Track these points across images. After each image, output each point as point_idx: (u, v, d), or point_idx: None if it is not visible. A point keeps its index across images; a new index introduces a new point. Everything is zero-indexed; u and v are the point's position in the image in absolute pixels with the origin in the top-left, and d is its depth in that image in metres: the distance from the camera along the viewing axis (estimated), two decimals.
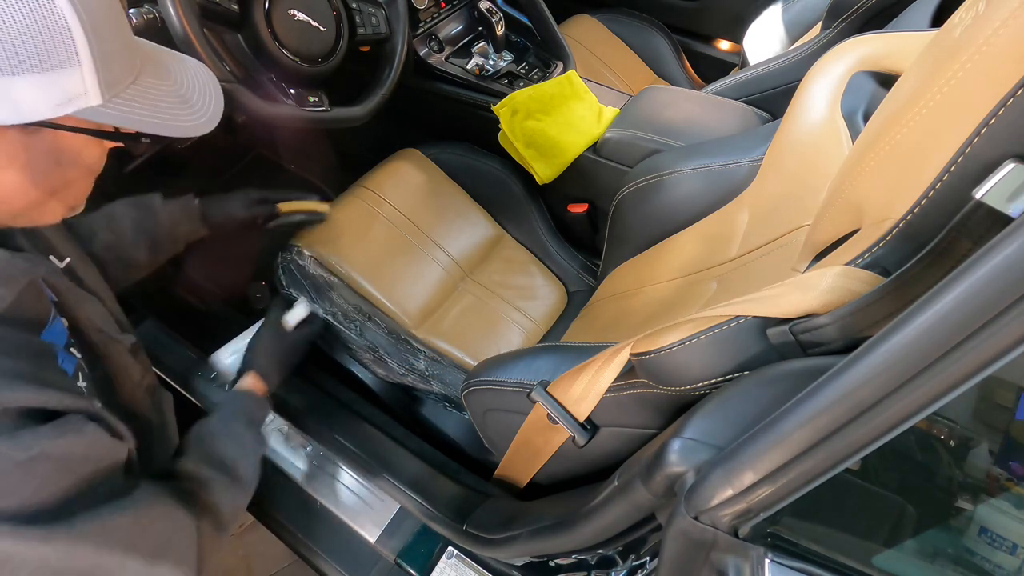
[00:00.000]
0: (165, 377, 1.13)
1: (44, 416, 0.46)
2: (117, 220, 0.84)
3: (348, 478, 1.07)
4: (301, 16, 0.95)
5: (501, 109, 1.18)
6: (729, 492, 0.46)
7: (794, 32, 1.40)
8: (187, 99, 0.53)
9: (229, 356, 1.00)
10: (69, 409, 0.47)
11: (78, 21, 0.42)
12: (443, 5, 1.32)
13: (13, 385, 0.44)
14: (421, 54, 1.26)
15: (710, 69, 1.72)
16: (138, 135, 0.51)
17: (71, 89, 0.44)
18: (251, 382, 0.86)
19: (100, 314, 0.64)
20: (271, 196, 1.00)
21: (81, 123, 0.47)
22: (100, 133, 0.49)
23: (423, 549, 0.99)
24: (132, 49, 0.50)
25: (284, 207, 1.01)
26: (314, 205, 1.05)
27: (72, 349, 0.57)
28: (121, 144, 0.53)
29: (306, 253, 1.06)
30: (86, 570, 0.47)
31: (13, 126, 0.43)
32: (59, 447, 0.45)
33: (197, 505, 0.63)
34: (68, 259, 0.64)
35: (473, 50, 1.32)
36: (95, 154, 0.52)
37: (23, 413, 0.44)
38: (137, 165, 1.11)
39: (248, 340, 0.97)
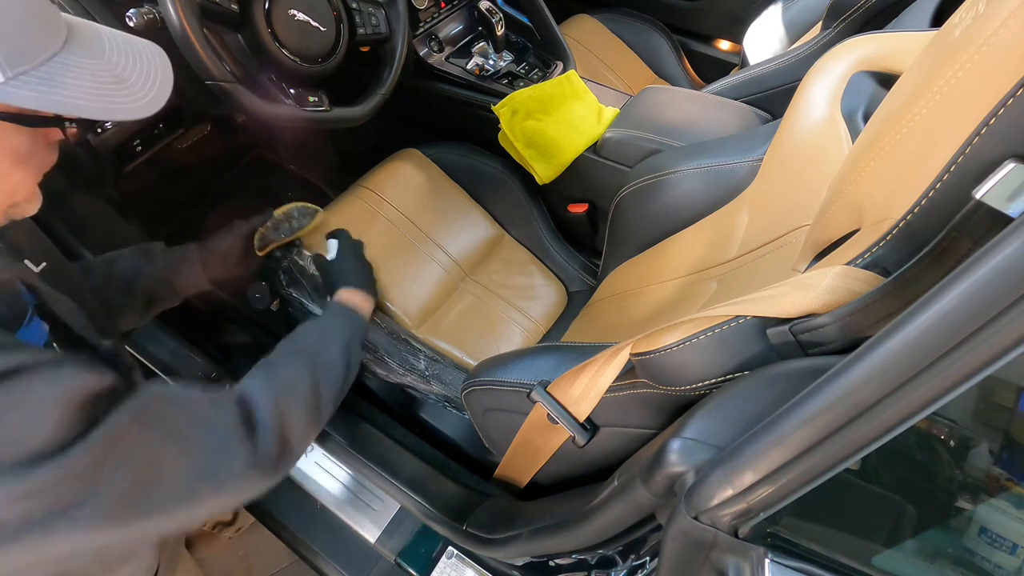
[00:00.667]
0: (164, 377, 1.13)
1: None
2: (116, 265, 0.83)
3: (348, 478, 1.07)
4: (301, 16, 0.95)
5: (501, 109, 1.18)
6: (729, 492, 0.46)
7: (794, 32, 1.40)
8: (122, 79, 0.48)
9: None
10: (22, 367, 0.44)
11: None
12: (443, 5, 1.32)
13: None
14: (421, 54, 1.26)
15: (710, 69, 1.72)
16: (59, 119, 0.47)
17: None
18: (348, 295, 0.86)
19: (77, 317, 0.61)
20: (256, 221, 1.00)
21: None
22: (7, 116, 0.44)
23: (423, 549, 0.99)
24: (47, 20, 0.45)
25: (279, 211, 1.02)
26: (305, 204, 1.05)
27: (54, 345, 0.56)
28: (53, 127, 0.48)
29: (306, 253, 1.06)
30: (117, 469, 0.46)
31: None
32: (43, 385, 0.44)
33: (260, 385, 0.62)
34: (44, 264, 0.62)
35: (473, 50, 1.32)
36: (18, 142, 0.47)
37: None
38: (137, 165, 1.11)
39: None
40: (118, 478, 0.47)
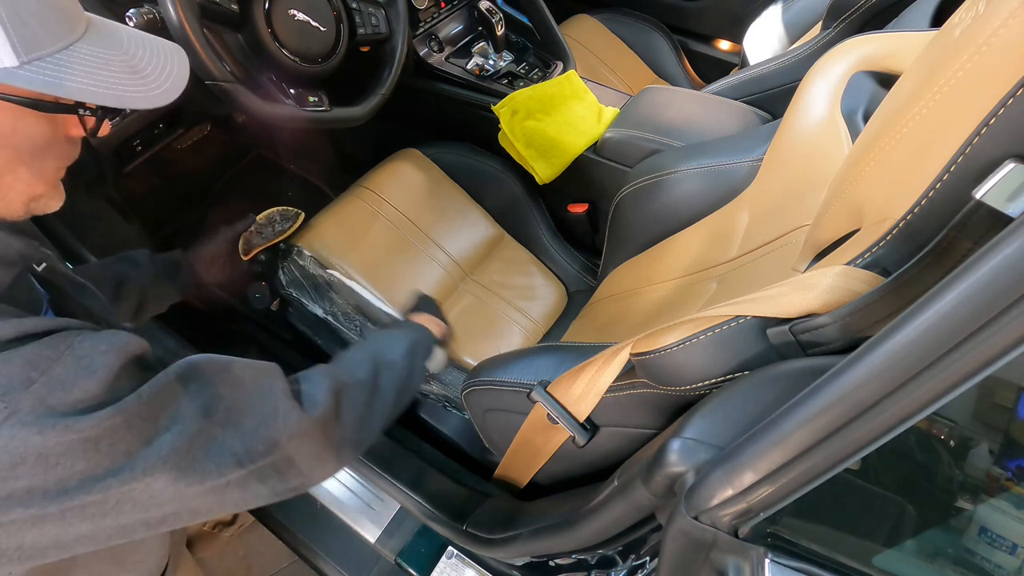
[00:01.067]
0: None
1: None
2: (104, 271, 0.83)
3: (348, 478, 1.07)
4: (301, 16, 0.95)
5: (501, 109, 1.18)
6: (729, 492, 0.46)
7: (794, 32, 1.40)
8: (137, 70, 0.49)
9: None
10: (61, 327, 0.46)
11: None
12: (443, 5, 1.32)
13: (18, 317, 0.44)
14: (421, 54, 1.26)
15: (710, 69, 1.72)
16: (77, 105, 0.47)
17: None
18: (426, 319, 0.90)
19: (97, 301, 0.62)
20: (239, 226, 1.02)
21: (10, 91, 0.43)
22: (24, 101, 0.44)
23: (423, 549, 0.99)
24: (64, 12, 0.46)
25: (260, 216, 1.04)
26: (287, 207, 1.08)
27: None
28: (73, 114, 0.49)
29: (306, 253, 1.06)
30: (162, 438, 0.46)
31: None
32: (87, 342, 0.44)
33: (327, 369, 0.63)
34: (44, 263, 0.61)
35: (473, 50, 1.32)
36: (37, 132, 0.47)
37: (21, 338, 0.43)
38: (137, 165, 1.11)
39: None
40: (174, 432, 0.46)
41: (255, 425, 0.52)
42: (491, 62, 1.31)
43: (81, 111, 0.48)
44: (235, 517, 1.24)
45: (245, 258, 1.02)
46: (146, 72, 0.49)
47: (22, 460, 0.40)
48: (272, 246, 1.05)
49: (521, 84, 1.28)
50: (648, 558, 0.71)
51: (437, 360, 0.91)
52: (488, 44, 1.33)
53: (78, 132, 0.50)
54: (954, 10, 0.50)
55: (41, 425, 0.40)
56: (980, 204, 0.37)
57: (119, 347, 0.46)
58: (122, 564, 0.64)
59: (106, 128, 0.51)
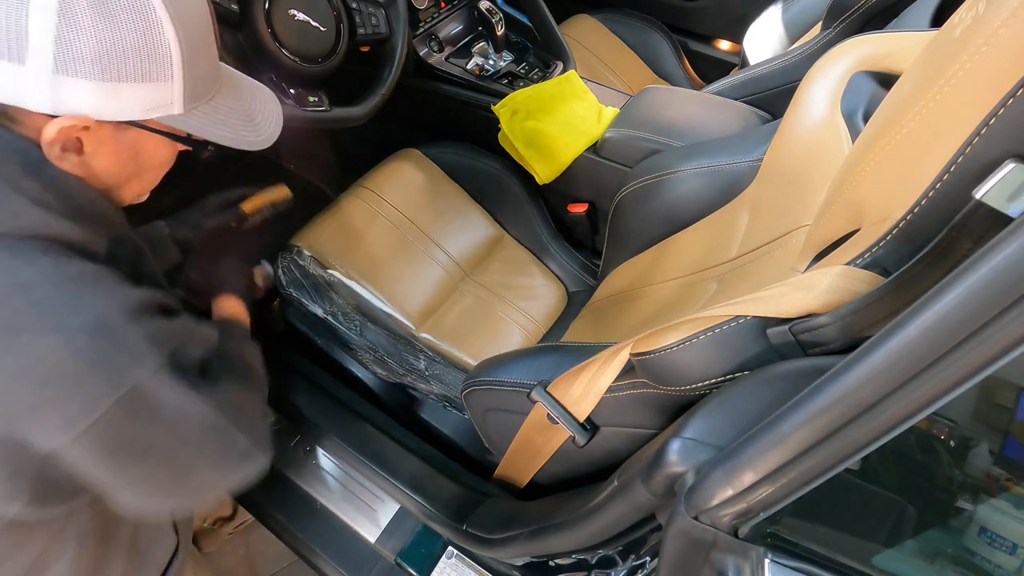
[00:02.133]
0: None
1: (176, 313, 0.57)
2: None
3: (348, 478, 1.07)
4: (301, 16, 0.95)
5: (501, 109, 1.18)
6: (729, 492, 0.46)
7: (794, 32, 1.40)
8: (252, 119, 0.62)
9: None
10: (181, 310, 0.58)
11: (179, 49, 0.51)
12: (443, 5, 1.32)
13: (148, 288, 0.55)
14: (421, 54, 1.26)
15: (710, 69, 1.72)
16: (205, 143, 0.60)
17: (161, 99, 0.52)
18: (231, 306, 0.82)
19: (156, 270, 0.72)
20: (231, 196, 0.95)
21: (161, 126, 0.55)
22: (174, 136, 0.57)
23: (423, 549, 0.99)
24: (216, 72, 0.59)
25: (247, 207, 0.95)
26: (274, 193, 0.97)
27: None
28: (189, 148, 0.61)
29: (306, 253, 1.06)
30: (221, 414, 0.57)
31: (109, 121, 0.51)
32: (202, 330, 0.58)
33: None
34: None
35: (473, 50, 1.32)
36: (167, 154, 0.61)
37: (162, 307, 0.55)
38: None
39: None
40: (222, 418, 0.57)
41: (261, 432, 0.63)
42: (491, 62, 1.31)
43: (210, 147, 0.61)
44: (234, 512, 1.24)
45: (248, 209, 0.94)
46: (257, 120, 0.63)
47: (151, 413, 0.50)
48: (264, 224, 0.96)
49: (521, 84, 1.28)
50: (648, 558, 0.71)
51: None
52: (488, 44, 1.33)
53: (184, 149, 0.62)
54: (954, 10, 0.50)
55: (173, 383, 0.52)
56: (980, 204, 0.37)
57: (211, 342, 0.60)
58: (134, 548, 0.69)
59: (208, 153, 0.64)
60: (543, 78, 1.29)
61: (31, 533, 0.58)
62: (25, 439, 0.47)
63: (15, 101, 0.48)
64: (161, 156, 0.60)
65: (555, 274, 1.25)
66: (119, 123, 0.52)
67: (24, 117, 0.50)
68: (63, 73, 0.47)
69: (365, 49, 1.10)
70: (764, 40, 1.45)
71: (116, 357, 0.48)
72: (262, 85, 0.66)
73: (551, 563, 0.87)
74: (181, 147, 0.61)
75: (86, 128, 0.51)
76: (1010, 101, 0.37)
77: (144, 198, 0.65)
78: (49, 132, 0.49)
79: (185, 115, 0.55)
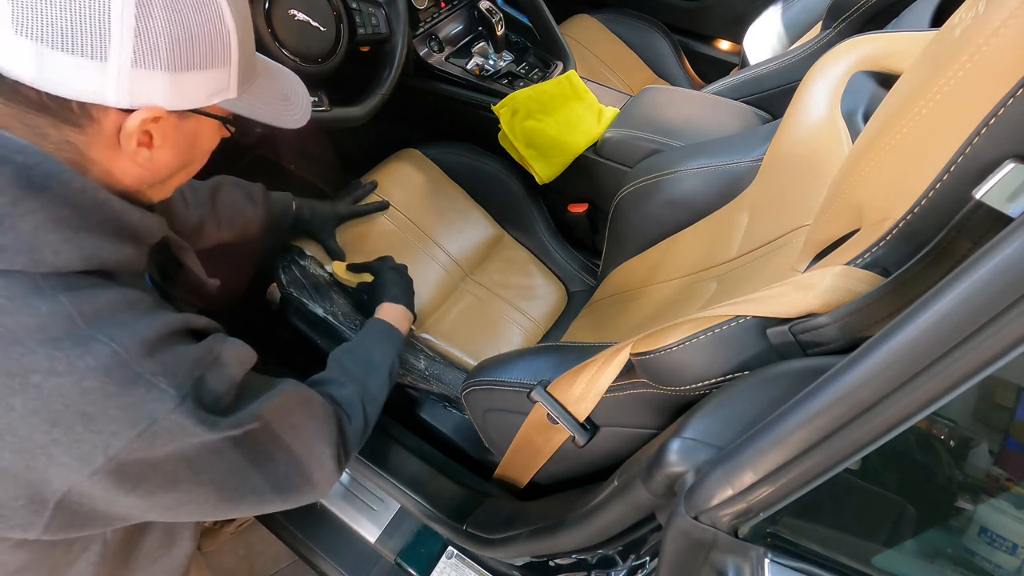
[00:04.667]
0: None
1: (203, 335, 0.56)
2: (219, 194, 0.94)
3: (348, 478, 1.07)
4: (301, 16, 0.95)
5: (501, 109, 1.18)
6: (729, 492, 0.46)
7: (794, 32, 1.40)
8: (288, 97, 0.64)
9: None
10: (210, 329, 0.58)
11: (235, 30, 0.52)
12: (443, 5, 1.32)
13: (171, 313, 0.53)
14: (421, 54, 1.26)
15: (710, 69, 1.72)
16: (252, 123, 0.60)
17: (221, 84, 0.53)
18: (397, 315, 0.94)
19: (196, 263, 0.75)
20: (358, 194, 1.14)
21: (217, 111, 0.56)
22: (227, 121, 0.58)
23: (423, 549, 0.99)
24: (254, 55, 0.59)
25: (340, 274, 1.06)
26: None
27: None
28: (234, 132, 0.61)
29: (307, 253, 1.06)
30: (253, 443, 0.56)
31: (172, 112, 0.51)
32: (229, 350, 0.55)
33: (331, 401, 0.71)
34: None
35: (473, 50, 1.32)
36: (215, 141, 0.61)
37: (187, 331, 0.54)
38: None
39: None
40: (254, 449, 0.56)
41: (300, 466, 0.62)
42: (491, 62, 1.31)
43: (257, 129, 0.62)
44: None
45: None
46: (292, 99, 0.64)
47: (171, 448, 0.49)
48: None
49: (521, 84, 1.28)
50: (648, 558, 0.71)
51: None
52: (488, 44, 1.33)
53: (225, 134, 0.62)
54: (954, 10, 0.50)
55: (197, 419, 0.50)
56: (980, 204, 0.37)
57: (245, 360, 0.57)
58: (155, 559, 0.69)
59: (252, 136, 0.65)
60: (543, 78, 1.29)
61: (53, 545, 0.58)
62: (42, 476, 0.47)
63: (97, 99, 0.47)
64: (212, 142, 0.61)
65: (555, 274, 1.25)
66: (183, 112, 0.53)
67: (95, 119, 0.49)
68: (141, 66, 0.47)
69: (365, 49, 1.10)
70: (764, 40, 1.45)
71: (129, 396, 0.47)
72: (288, 69, 0.68)
73: (551, 563, 0.87)
74: (226, 133, 0.62)
75: (156, 121, 0.51)
76: (1010, 101, 0.37)
77: (169, 194, 0.64)
78: (130, 125, 0.49)
79: (239, 99, 0.56)
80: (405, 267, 1.05)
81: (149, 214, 0.56)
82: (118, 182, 0.54)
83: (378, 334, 0.89)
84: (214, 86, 0.53)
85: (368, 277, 1.03)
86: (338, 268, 1.05)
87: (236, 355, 0.56)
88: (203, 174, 1.02)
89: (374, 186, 1.16)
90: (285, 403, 0.60)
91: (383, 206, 1.15)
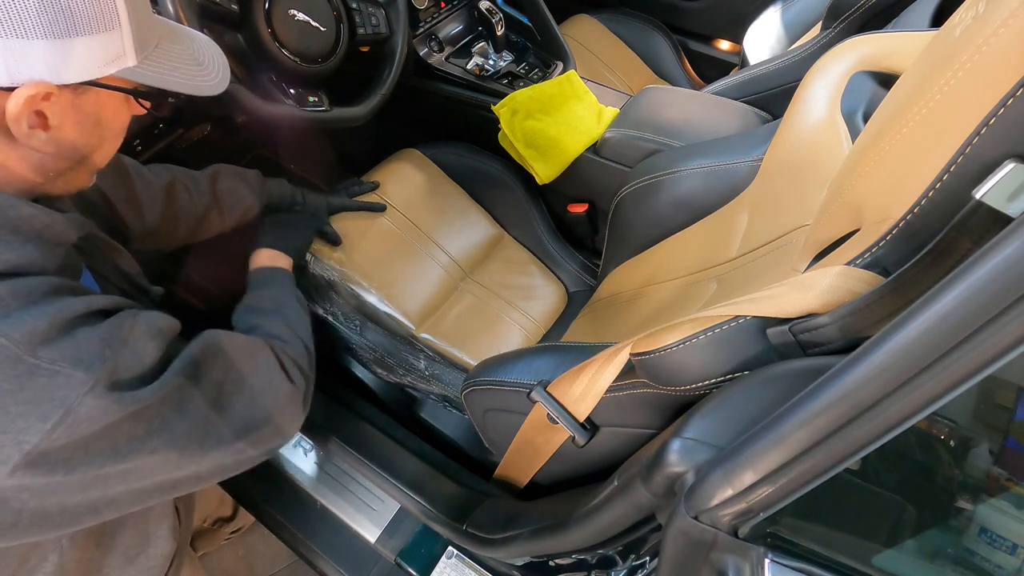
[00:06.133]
0: None
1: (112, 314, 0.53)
2: (220, 181, 0.92)
3: (348, 478, 1.07)
4: (301, 16, 0.95)
5: (501, 109, 1.18)
6: (729, 492, 0.46)
7: (794, 32, 1.40)
8: (201, 62, 0.58)
9: None
10: (120, 307, 0.54)
11: None
12: (443, 5, 1.32)
13: (70, 298, 0.50)
14: (421, 54, 1.26)
15: (710, 69, 1.72)
16: (164, 94, 0.56)
17: (113, 50, 0.49)
18: (271, 256, 0.91)
19: (132, 265, 0.70)
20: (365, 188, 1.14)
21: (119, 82, 0.51)
22: (135, 92, 0.54)
23: (423, 549, 1.00)
24: (152, 15, 0.54)
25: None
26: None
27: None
28: (147, 107, 0.57)
29: (306, 253, 1.06)
30: (194, 396, 0.54)
31: (66, 87, 0.48)
32: (141, 324, 0.53)
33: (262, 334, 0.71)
34: (86, 231, 0.67)
35: (473, 50, 1.32)
36: (125, 116, 0.57)
37: (90, 314, 0.50)
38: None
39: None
40: (196, 403, 0.55)
41: (254, 402, 0.60)
42: (491, 62, 1.31)
43: (170, 99, 0.58)
44: (234, 513, 1.24)
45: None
46: (205, 63, 0.59)
47: (99, 427, 0.47)
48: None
49: (521, 84, 1.28)
50: (648, 558, 0.71)
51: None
52: (488, 44, 1.33)
53: (137, 111, 0.58)
54: (954, 10, 0.50)
55: (113, 397, 0.48)
56: (980, 204, 0.37)
57: (164, 330, 0.55)
58: (131, 559, 0.68)
59: (166, 108, 0.61)
60: (543, 78, 1.29)
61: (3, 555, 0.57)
62: None
63: None
64: (121, 119, 0.56)
65: (555, 274, 1.25)
66: (78, 87, 0.49)
67: None
68: (11, 36, 0.43)
69: (365, 49, 1.10)
70: (764, 40, 1.45)
71: (28, 389, 0.45)
72: (197, 32, 0.63)
73: (551, 563, 0.87)
74: (137, 109, 0.58)
75: (47, 98, 0.47)
76: (1010, 101, 0.37)
77: (93, 180, 0.60)
78: (14, 105, 0.45)
79: (139, 66, 0.51)
80: (295, 210, 1.02)
81: (49, 212, 0.51)
82: (17, 174, 0.50)
83: (262, 284, 0.86)
84: (106, 53, 0.48)
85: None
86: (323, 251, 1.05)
87: (153, 327, 0.54)
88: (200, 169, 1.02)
89: (375, 186, 1.16)
90: (209, 349, 0.58)
91: (379, 207, 1.14)
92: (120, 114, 0.55)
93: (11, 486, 0.45)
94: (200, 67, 0.58)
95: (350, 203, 1.11)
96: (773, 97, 1.23)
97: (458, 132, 1.34)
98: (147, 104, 0.57)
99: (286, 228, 0.96)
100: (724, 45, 1.75)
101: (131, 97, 0.55)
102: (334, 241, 1.06)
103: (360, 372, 1.11)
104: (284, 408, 0.63)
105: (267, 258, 0.90)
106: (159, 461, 0.52)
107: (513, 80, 1.30)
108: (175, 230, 0.89)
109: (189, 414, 0.54)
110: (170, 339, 0.56)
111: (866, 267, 0.49)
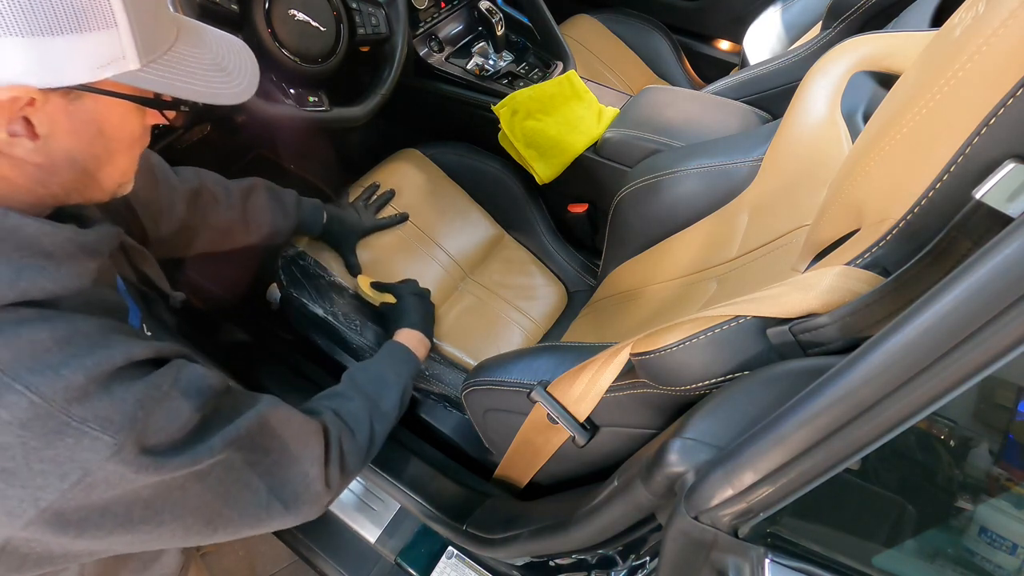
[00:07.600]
0: None
1: (153, 364, 0.50)
2: (254, 198, 0.92)
3: None
4: (301, 16, 0.95)
5: (501, 109, 1.18)
6: (729, 492, 0.46)
7: (794, 32, 1.40)
8: (223, 67, 0.53)
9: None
10: (163, 355, 0.51)
11: None
12: (443, 5, 1.32)
13: (110, 348, 0.46)
14: (421, 54, 1.26)
15: (710, 69, 1.72)
16: (177, 103, 0.51)
17: (109, 52, 0.43)
18: (415, 340, 0.94)
19: (156, 270, 0.69)
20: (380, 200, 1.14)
21: (121, 89, 0.46)
22: (140, 99, 0.48)
23: (423, 549, 0.99)
24: (167, 15, 0.49)
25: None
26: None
27: (144, 326, 0.60)
28: (160, 112, 0.52)
29: (307, 254, 1.06)
30: (222, 475, 0.52)
31: (56, 91, 0.43)
32: (184, 383, 0.50)
33: (333, 416, 0.70)
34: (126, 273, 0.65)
35: (473, 50, 1.32)
36: (136, 125, 0.51)
37: (130, 366, 0.47)
38: None
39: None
40: (220, 484, 0.52)
41: (277, 493, 0.58)
42: (491, 62, 1.31)
43: (182, 107, 0.52)
44: None
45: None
46: (230, 69, 0.53)
47: (116, 493, 0.45)
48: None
49: (521, 84, 1.28)
50: (648, 558, 0.71)
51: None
52: (488, 44, 1.33)
53: (155, 121, 0.54)
54: (954, 10, 0.50)
55: (139, 464, 0.45)
56: (980, 204, 0.37)
57: (205, 390, 0.51)
58: (146, 564, 0.68)
59: (180, 118, 0.55)
60: (543, 78, 1.29)
61: None
62: None
63: None
64: (130, 128, 0.51)
65: (555, 274, 1.25)
66: (69, 91, 0.44)
67: None
68: None
69: (365, 49, 1.10)
70: (764, 40, 1.45)
71: (54, 448, 0.43)
72: (231, 36, 0.57)
73: (551, 563, 0.87)
74: (153, 117, 0.53)
75: (31, 103, 0.42)
76: (1010, 101, 0.37)
77: (127, 188, 0.55)
78: None
79: (143, 70, 0.46)
80: (428, 292, 1.05)
81: (54, 225, 0.47)
82: (20, 186, 0.47)
83: (394, 355, 0.88)
84: (100, 55, 0.43)
85: (391, 298, 1.02)
86: (363, 283, 1.05)
87: (193, 386, 0.50)
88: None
89: (391, 195, 1.16)
90: (256, 427, 0.55)
91: (403, 218, 1.15)
92: (128, 123, 0.50)
93: (22, 537, 0.44)
94: (222, 73, 0.52)
95: (381, 222, 1.12)
96: (773, 97, 1.23)
97: (458, 132, 1.34)
98: (171, 115, 0.52)
99: (427, 309, 1.01)
100: (724, 45, 1.75)
101: (139, 105, 0.49)
102: (356, 270, 1.07)
103: None
104: (303, 507, 0.61)
105: (415, 341, 0.93)
106: (164, 533, 0.50)
107: (513, 80, 1.30)
108: (193, 240, 0.86)
109: (208, 491, 0.51)
110: (213, 398, 0.52)
111: (866, 267, 0.49)
